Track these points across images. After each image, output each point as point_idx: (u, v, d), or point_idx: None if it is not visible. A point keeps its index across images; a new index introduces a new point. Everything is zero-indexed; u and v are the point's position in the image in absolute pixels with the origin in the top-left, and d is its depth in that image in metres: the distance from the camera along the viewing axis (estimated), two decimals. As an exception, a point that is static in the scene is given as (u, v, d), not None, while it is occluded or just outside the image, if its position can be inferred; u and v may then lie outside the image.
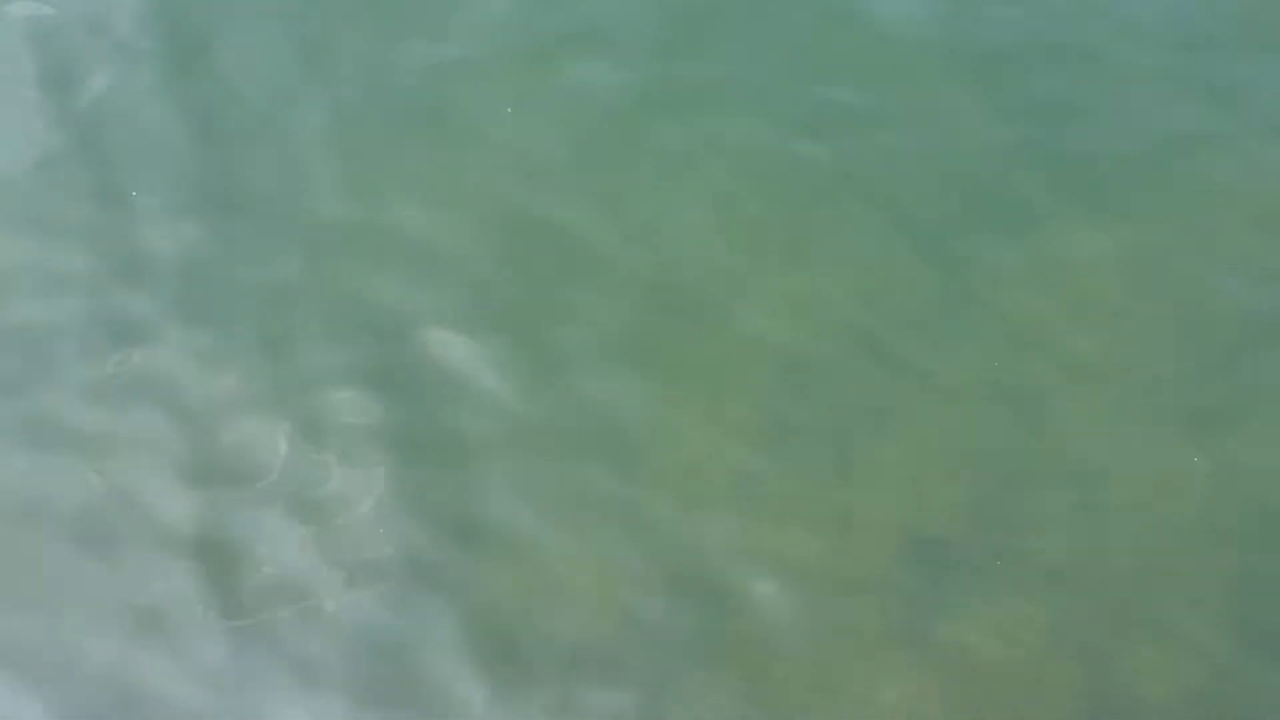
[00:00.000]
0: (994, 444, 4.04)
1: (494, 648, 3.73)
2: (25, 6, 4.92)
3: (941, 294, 4.31)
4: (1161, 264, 4.35)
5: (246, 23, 4.87)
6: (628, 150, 4.61)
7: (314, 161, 4.56)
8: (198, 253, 4.38)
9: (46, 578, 3.88)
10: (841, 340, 4.23)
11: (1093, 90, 4.70)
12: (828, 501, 3.94)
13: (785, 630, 3.74)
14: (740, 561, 3.85)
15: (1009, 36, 4.85)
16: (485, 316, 4.27)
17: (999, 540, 3.87)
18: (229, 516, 3.93)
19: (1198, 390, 4.11)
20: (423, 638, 3.76)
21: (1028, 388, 4.12)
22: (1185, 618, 3.75)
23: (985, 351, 4.20)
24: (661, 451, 4.03)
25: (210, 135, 4.64)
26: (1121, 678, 3.67)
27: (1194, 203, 4.46)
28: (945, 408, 4.10)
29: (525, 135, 4.62)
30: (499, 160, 4.57)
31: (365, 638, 3.77)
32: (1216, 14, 4.89)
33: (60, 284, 4.34)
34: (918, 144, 4.60)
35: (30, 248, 4.43)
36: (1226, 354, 4.16)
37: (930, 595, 3.78)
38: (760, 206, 4.49)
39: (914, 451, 4.01)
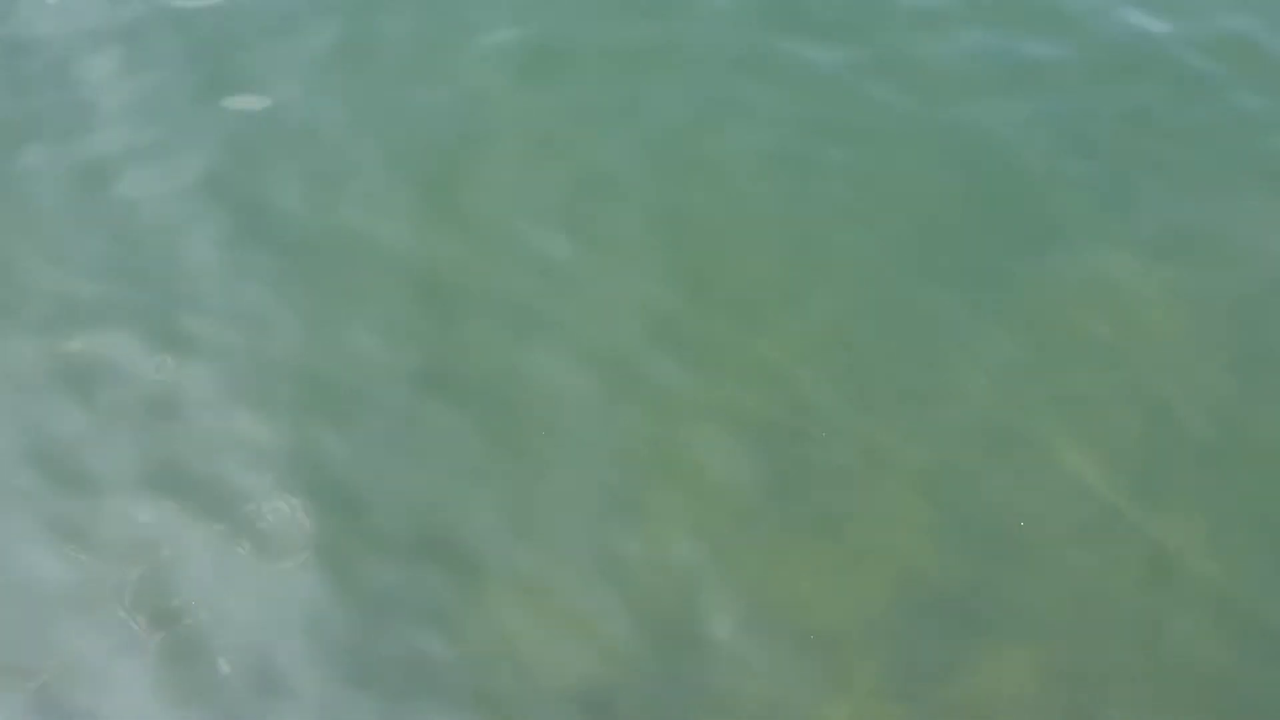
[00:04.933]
0: (992, 492, 4.05)
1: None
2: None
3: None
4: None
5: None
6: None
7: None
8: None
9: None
10: (835, 388, 4.26)
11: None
12: (821, 550, 3.93)
13: (774, 679, 3.73)
14: (731, 606, 3.84)
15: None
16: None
17: (995, 590, 3.87)
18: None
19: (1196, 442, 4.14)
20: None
21: (1025, 435, 4.15)
22: (1183, 670, 3.75)
23: (979, 400, 4.23)
24: (656, 496, 4.03)
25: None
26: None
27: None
28: (942, 455, 4.12)
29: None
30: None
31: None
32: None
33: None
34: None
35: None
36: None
37: (925, 646, 3.78)
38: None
39: (910, 500, 4.01)
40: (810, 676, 3.72)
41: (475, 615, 3.83)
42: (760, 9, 5.37)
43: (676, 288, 4.49)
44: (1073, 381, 4.29)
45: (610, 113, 5.00)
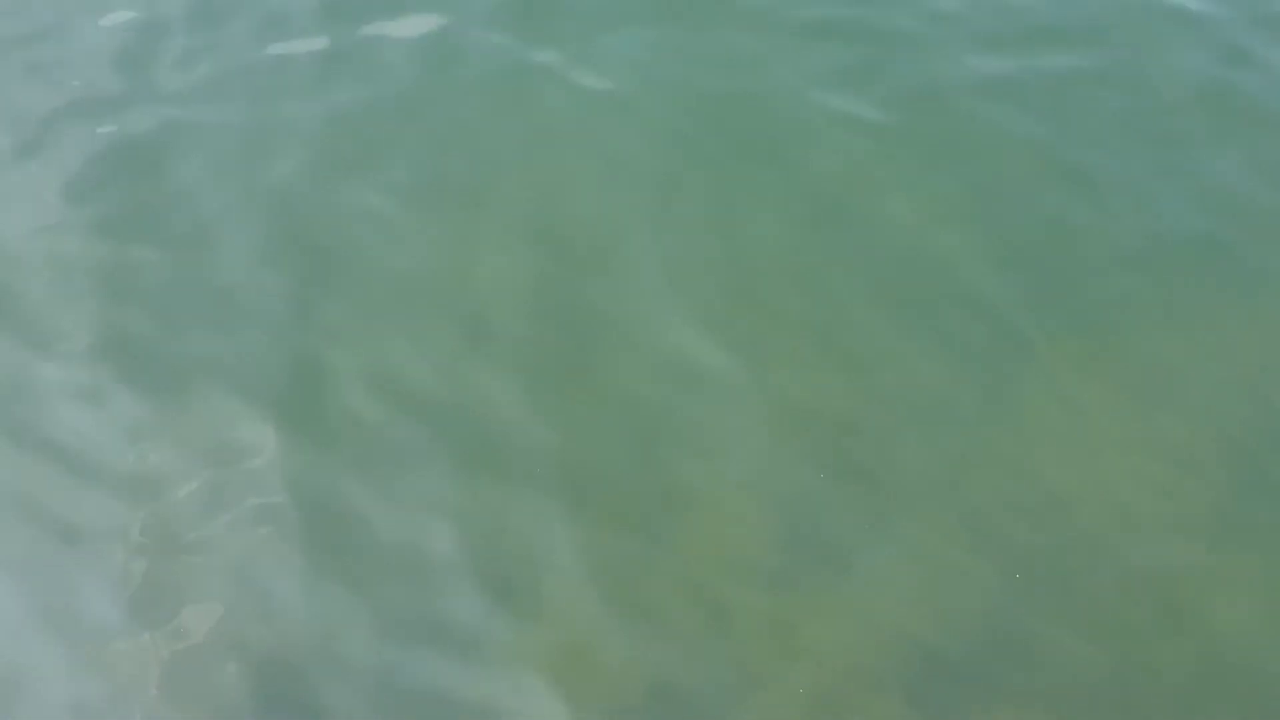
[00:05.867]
0: (1011, 551, 3.98)
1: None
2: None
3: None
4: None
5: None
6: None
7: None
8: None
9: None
10: (851, 441, 4.24)
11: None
12: (838, 606, 3.88)
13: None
14: (743, 652, 3.80)
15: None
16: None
17: (1013, 649, 3.78)
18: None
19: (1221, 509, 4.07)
20: None
21: (1046, 496, 4.09)
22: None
23: (1003, 456, 4.19)
24: (670, 536, 4.02)
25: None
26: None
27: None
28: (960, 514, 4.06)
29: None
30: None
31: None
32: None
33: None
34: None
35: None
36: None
37: (935, 697, 3.69)
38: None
39: (928, 557, 3.96)
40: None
41: (495, 642, 3.81)
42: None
43: (699, 328, 4.53)
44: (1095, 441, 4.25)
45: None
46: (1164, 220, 4.83)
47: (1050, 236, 4.80)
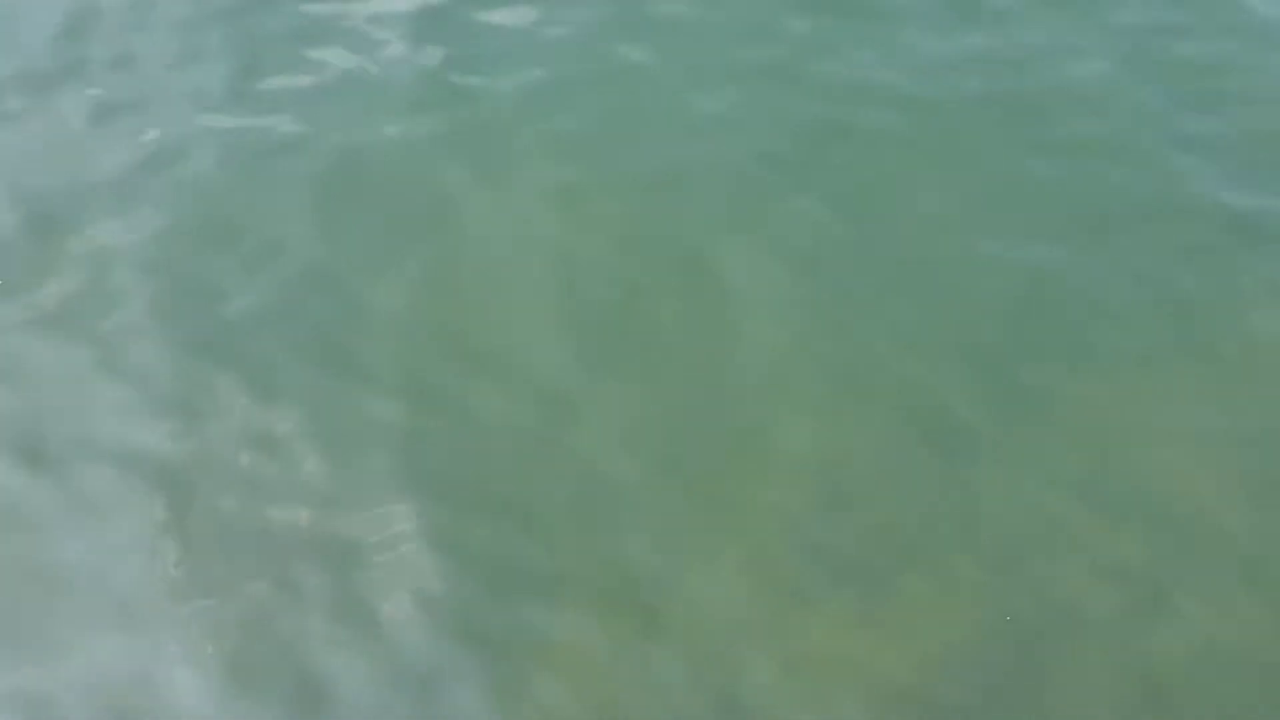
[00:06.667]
0: (1028, 587, 3.99)
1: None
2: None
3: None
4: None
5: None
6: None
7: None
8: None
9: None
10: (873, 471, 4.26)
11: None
12: (854, 643, 3.89)
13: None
14: (773, 666, 3.82)
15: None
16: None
17: (1031, 686, 3.79)
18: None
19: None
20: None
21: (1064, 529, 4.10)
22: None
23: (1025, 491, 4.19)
24: (682, 590, 4.01)
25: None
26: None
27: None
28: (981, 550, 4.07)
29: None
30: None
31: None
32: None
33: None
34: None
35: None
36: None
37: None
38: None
39: (945, 594, 3.98)
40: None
41: (515, 678, 3.84)
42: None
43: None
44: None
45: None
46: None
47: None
